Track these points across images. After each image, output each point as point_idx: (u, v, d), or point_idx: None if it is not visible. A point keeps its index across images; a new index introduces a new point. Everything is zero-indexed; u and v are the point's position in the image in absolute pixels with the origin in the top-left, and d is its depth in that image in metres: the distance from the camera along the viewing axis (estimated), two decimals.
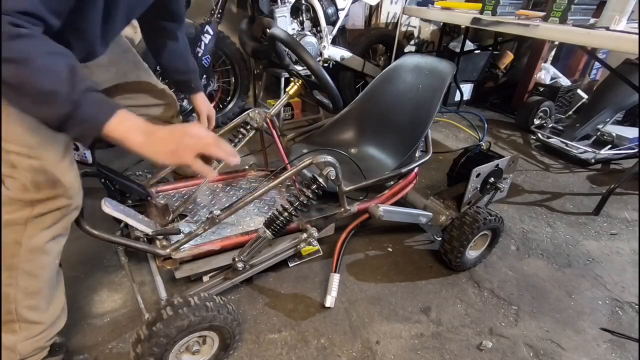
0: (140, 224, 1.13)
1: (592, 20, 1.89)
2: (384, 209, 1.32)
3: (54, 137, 0.80)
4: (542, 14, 2.00)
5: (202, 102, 1.44)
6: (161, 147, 0.77)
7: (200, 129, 0.83)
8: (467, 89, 3.39)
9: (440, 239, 1.47)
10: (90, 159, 1.18)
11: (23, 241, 0.83)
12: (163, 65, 1.35)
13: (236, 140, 1.46)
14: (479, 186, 1.45)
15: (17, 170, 0.78)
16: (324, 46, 2.54)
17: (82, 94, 0.69)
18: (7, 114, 0.74)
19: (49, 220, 0.84)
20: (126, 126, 0.74)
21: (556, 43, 3.18)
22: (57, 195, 0.82)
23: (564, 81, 3.18)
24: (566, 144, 2.48)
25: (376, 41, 2.99)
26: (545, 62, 3.22)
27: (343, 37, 2.85)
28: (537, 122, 2.85)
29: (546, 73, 3.18)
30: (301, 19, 2.50)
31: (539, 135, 2.63)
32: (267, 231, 1.11)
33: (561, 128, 2.64)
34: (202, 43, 2.20)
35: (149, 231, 1.14)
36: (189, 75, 1.38)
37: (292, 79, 1.54)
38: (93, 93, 0.72)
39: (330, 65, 2.69)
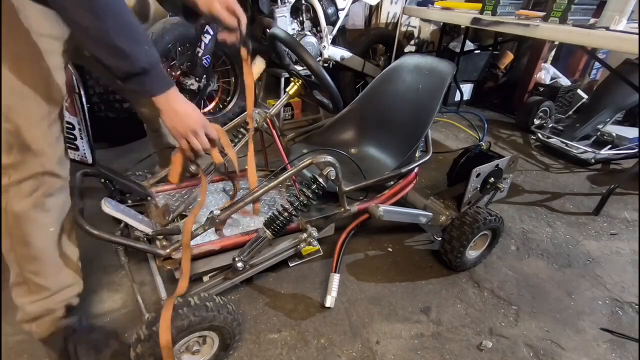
0: (140, 224, 1.13)
1: (592, 20, 1.89)
2: (384, 209, 1.32)
3: (32, 103, 0.85)
4: (542, 14, 2.00)
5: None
6: (177, 126, 0.95)
7: (200, 116, 0.98)
8: (467, 89, 3.39)
9: (440, 239, 1.47)
10: (90, 159, 1.18)
11: (8, 209, 0.88)
12: None
13: (236, 140, 1.46)
14: (479, 186, 1.45)
15: None
16: (324, 46, 2.54)
17: (153, 65, 0.84)
18: None
19: (26, 188, 0.88)
20: (168, 102, 0.91)
21: (556, 43, 3.18)
22: (26, 160, 0.86)
23: (564, 81, 3.18)
24: (566, 144, 2.48)
25: (376, 41, 2.98)
26: (545, 62, 3.22)
27: (343, 37, 2.85)
28: (537, 122, 2.85)
29: (546, 73, 3.18)
30: (301, 19, 2.50)
31: (539, 135, 2.63)
32: (267, 231, 1.11)
33: (561, 128, 2.64)
34: (202, 43, 2.20)
35: (149, 231, 1.14)
36: None
37: (292, 79, 1.54)
38: (159, 66, 0.86)
39: (330, 65, 2.69)
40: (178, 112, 0.93)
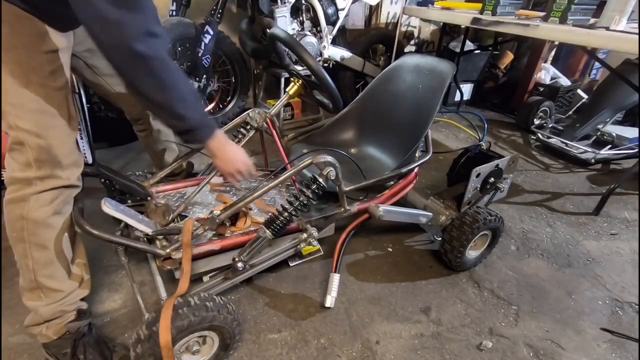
0: (140, 224, 1.13)
1: (592, 20, 1.88)
2: (384, 209, 1.32)
3: (60, 122, 0.91)
4: (542, 14, 2.00)
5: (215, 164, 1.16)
6: (226, 167, 1.11)
7: (245, 157, 1.16)
8: (467, 89, 3.39)
9: (440, 239, 1.47)
10: (90, 159, 1.18)
11: (27, 216, 0.91)
12: None
13: (236, 140, 1.46)
14: (479, 186, 1.45)
15: (25, 148, 0.88)
16: (324, 46, 2.53)
17: (204, 118, 0.99)
18: (22, 95, 0.85)
19: (48, 197, 0.93)
20: (216, 145, 1.05)
21: (556, 43, 3.18)
22: (55, 174, 0.92)
23: (564, 81, 3.18)
24: (566, 144, 2.48)
25: (376, 41, 2.99)
26: (545, 62, 3.22)
27: (343, 37, 2.85)
28: (537, 122, 2.85)
29: (546, 73, 3.18)
30: (301, 19, 2.49)
31: (539, 135, 2.63)
32: (267, 231, 1.11)
33: (561, 128, 2.63)
34: (202, 43, 2.20)
35: (149, 231, 1.14)
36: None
37: (292, 79, 1.54)
38: (207, 116, 1.01)
39: (330, 65, 2.69)
40: (228, 154, 1.08)
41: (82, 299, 1.08)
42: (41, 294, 0.98)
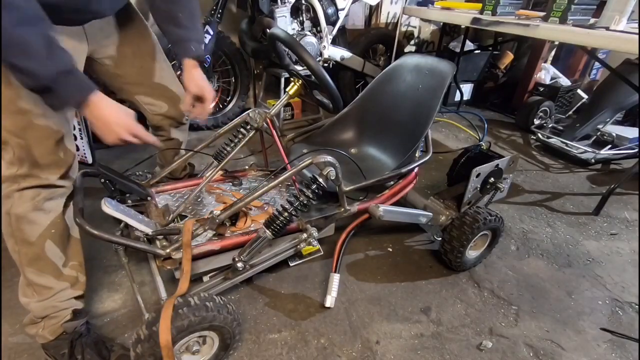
0: (140, 224, 1.13)
1: (592, 20, 1.88)
2: (384, 209, 1.32)
3: (40, 123, 0.90)
4: (542, 14, 2.00)
5: (191, 76, 1.17)
6: (103, 135, 0.94)
7: (126, 119, 0.94)
8: (467, 89, 3.39)
9: (440, 239, 1.47)
10: (90, 159, 1.18)
11: (10, 211, 0.94)
12: (154, 9, 1.15)
13: (236, 140, 1.46)
14: (479, 186, 1.45)
15: (8, 146, 0.90)
16: (324, 46, 2.53)
17: (57, 78, 0.79)
18: (4, 95, 0.85)
19: (29, 194, 0.94)
20: (90, 111, 0.89)
21: (556, 43, 3.18)
22: (33, 173, 0.93)
23: (564, 81, 3.18)
24: (566, 144, 2.48)
25: (376, 41, 2.99)
26: (545, 62, 3.22)
27: (343, 37, 2.85)
28: (537, 122, 2.85)
29: (546, 73, 3.18)
30: (301, 19, 2.49)
31: (539, 135, 2.63)
32: (267, 231, 1.11)
33: (561, 128, 2.63)
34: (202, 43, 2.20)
35: (149, 231, 1.14)
36: (182, 32, 1.15)
37: (292, 79, 1.54)
38: (70, 76, 0.82)
39: (330, 65, 2.69)
40: (101, 119, 0.90)
41: (78, 299, 1.08)
42: (33, 291, 1.00)
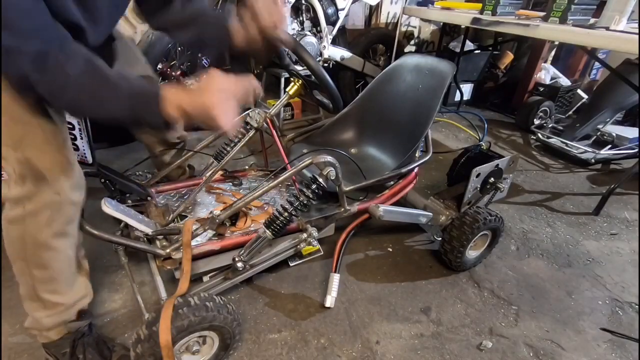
0: (140, 224, 1.13)
1: (592, 20, 1.89)
2: (384, 209, 1.32)
3: (38, 130, 0.79)
4: (542, 14, 2.00)
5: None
6: (206, 117, 0.78)
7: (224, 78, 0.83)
8: (467, 89, 3.39)
9: (440, 239, 1.47)
10: (90, 159, 1.18)
11: (26, 238, 0.86)
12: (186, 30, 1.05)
13: (236, 140, 1.46)
14: (479, 186, 1.45)
15: (7, 162, 0.80)
16: (324, 46, 2.54)
17: (130, 98, 0.74)
18: None
19: (43, 217, 0.85)
20: (172, 103, 0.76)
21: (556, 43, 3.18)
22: (41, 190, 0.83)
23: (564, 81, 3.18)
24: (566, 144, 2.48)
25: (376, 41, 2.99)
26: (545, 62, 3.22)
27: (343, 37, 2.85)
28: (537, 122, 2.85)
29: (546, 73, 3.18)
30: (301, 18, 2.50)
31: (539, 135, 2.63)
32: (267, 231, 1.11)
33: (561, 128, 2.63)
34: None
35: (149, 231, 1.14)
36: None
37: (292, 79, 1.54)
38: (136, 89, 0.75)
39: (330, 65, 2.69)
40: (199, 101, 0.78)
41: (84, 299, 1.07)
42: (42, 306, 0.96)
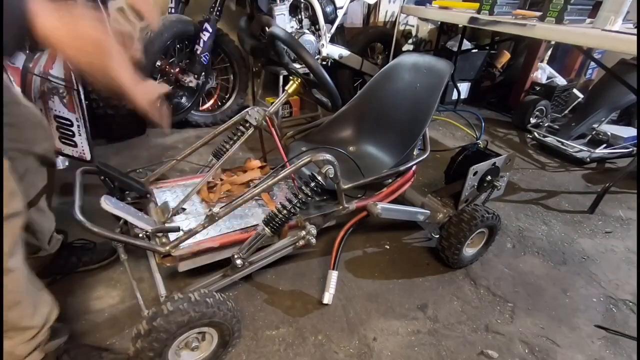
0: (140, 221, 1.13)
1: (588, 21, 1.90)
2: (382, 207, 1.33)
3: None
4: (538, 13, 2.01)
5: None
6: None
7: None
8: (464, 87, 3.41)
9: (437, 236, 1.48)
10: (89, 156, 1.18)
11: None
12: None
13: (235, 138, 1.46)
14: (476, 184, 1.46)
15: None
16: (323, 44, 2.54)
17: None
18: None
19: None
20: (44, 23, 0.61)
21: (552, 43, 3.20)
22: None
23: (560, 80, 3.20)
24: (562, 143, 2.50)
25: (374, 40, 2.99)
26: (541, 61, 3.24)
27: (341, 36, 2.86)
28: (533, 121, 2.87)
29: (542, 72, 3.20)
30: (300, 17, 2.50)
31: (535, 134, 2.65)
32: (266, 229, 1.12)
33: (557, 127, 2.66)
34: (201, 41, 2.20)
35: (149, 228, 1.14)
36: None
37: (290, 77, 1.55)
38: None
39: (329, 64, 2.69)
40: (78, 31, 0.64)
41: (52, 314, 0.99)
42: (13, 334, 0.90)
